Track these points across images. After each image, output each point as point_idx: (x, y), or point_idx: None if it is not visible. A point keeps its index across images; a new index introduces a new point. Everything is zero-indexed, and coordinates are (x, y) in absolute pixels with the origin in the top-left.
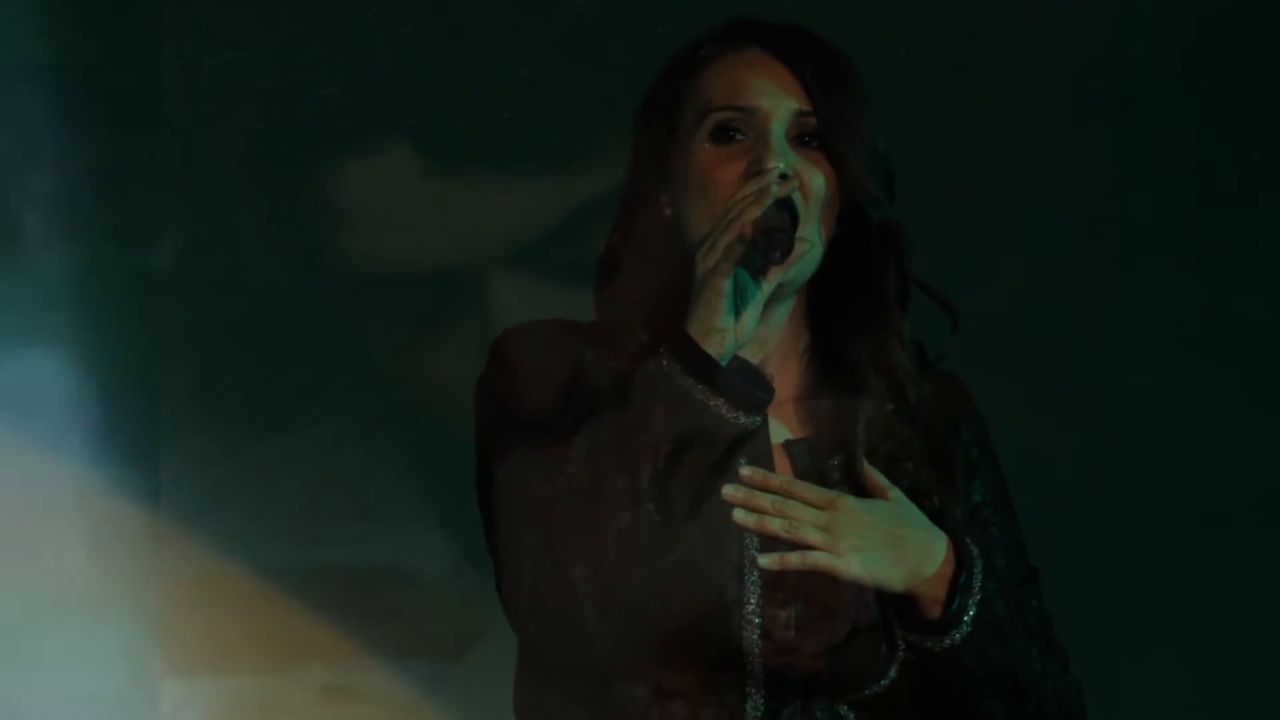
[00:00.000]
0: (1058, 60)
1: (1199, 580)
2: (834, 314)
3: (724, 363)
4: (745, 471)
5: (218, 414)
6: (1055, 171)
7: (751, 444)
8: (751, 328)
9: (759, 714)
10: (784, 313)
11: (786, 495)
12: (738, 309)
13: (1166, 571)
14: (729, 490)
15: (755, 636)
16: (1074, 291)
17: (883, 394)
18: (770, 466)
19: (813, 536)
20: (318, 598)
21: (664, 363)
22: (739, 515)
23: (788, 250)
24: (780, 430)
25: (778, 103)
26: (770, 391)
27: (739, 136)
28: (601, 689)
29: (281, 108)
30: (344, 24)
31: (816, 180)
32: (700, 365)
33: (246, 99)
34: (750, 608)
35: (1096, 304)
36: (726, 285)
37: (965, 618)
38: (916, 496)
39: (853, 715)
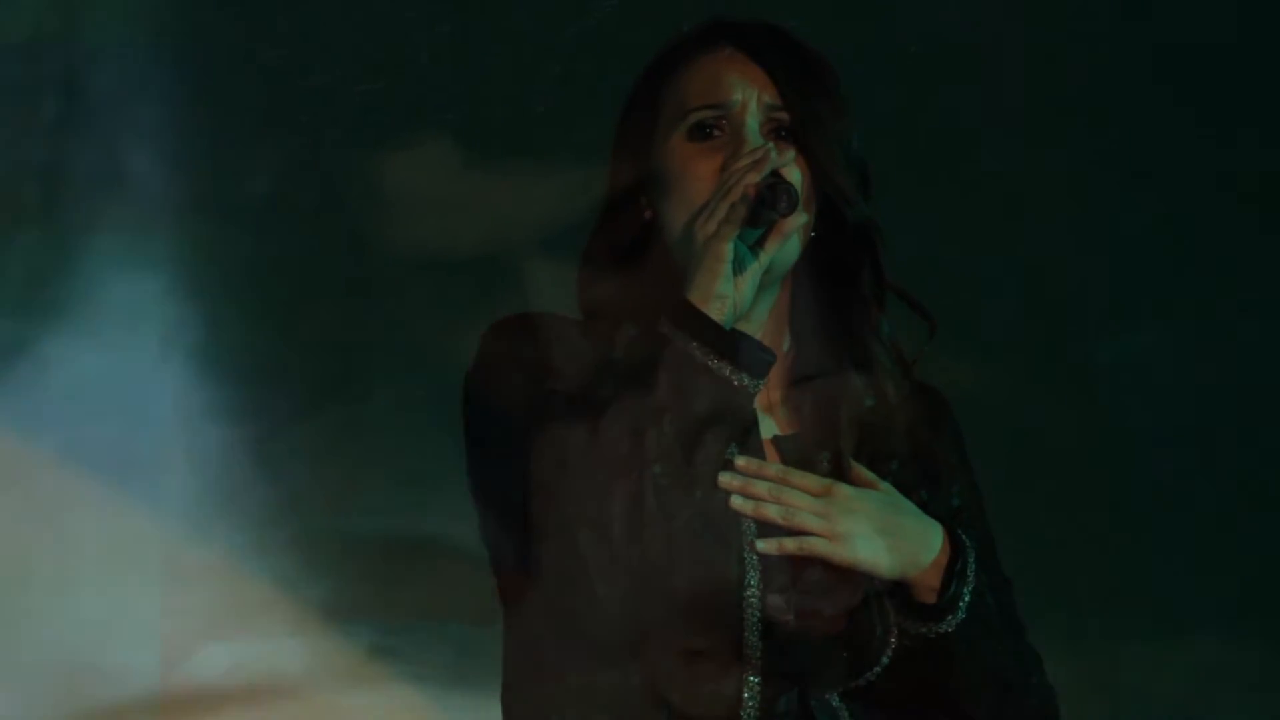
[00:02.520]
0: (1060, 58)
1: (1199, 577)
2: (814, 312)
3: (726, 328)
4: (740, 461)
5: (272, 391)
6: (1054, 169)
7: (743, 441)
8: (749, 295)
9: (755, 701)
10: (766, 308)
11: (782, 484)
12: (735, 277)
13: (1167, 567)
14: (725, 479)
15: (754, 621)
16: (1075, 288)
17: (863, 390)
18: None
19: (810, 523)
20: (365, 562)
21: (665, 330)
22: (737, 502)
23: (794, 201)
24: (769, 426)
25: (751, 96)
26: (772, 355)
27: (716, 134)
28: (593, 675)
29: (329, 102)
30: (387, 24)
31: (793, 173)
32: (703, 330)
33: (297, 93)
34: (750, 592)
35: (1097, 301)
36: (728, 250)
37: (960, 604)
38: (902, 492)
39: (845, 708)
